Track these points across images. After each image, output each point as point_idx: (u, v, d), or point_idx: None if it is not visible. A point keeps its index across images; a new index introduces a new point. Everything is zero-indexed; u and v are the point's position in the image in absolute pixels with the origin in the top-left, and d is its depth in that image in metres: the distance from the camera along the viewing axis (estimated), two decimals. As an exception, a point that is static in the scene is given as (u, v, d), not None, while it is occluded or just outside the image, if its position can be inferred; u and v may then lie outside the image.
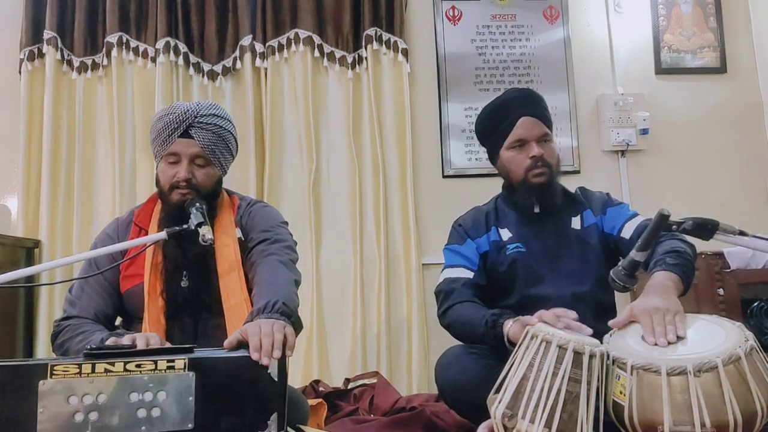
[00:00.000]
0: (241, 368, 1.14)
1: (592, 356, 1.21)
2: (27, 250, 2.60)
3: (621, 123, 2.94)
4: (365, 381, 2.43)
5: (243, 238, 1.62)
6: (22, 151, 2.70)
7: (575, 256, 1.72)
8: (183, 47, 2.79)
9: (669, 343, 1.21)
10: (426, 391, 2.55)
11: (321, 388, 2.36)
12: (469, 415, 1.62)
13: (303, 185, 2.79)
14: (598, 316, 1.66)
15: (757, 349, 1.16)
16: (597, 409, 1.22)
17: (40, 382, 1.06)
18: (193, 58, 2.82)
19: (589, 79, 3.01)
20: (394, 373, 2.65)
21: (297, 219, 2.72)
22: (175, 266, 1.54)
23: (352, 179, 2.81)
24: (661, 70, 3.06)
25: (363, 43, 2.85)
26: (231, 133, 1.63)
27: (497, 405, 1.25)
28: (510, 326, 1.46)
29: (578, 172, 2.94)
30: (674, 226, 1.27)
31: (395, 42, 2.85)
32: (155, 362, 1.10)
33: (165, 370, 1.10)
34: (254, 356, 1.14)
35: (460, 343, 1.72)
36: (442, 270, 1.79)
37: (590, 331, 1.34)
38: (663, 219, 1.25)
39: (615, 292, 1.61)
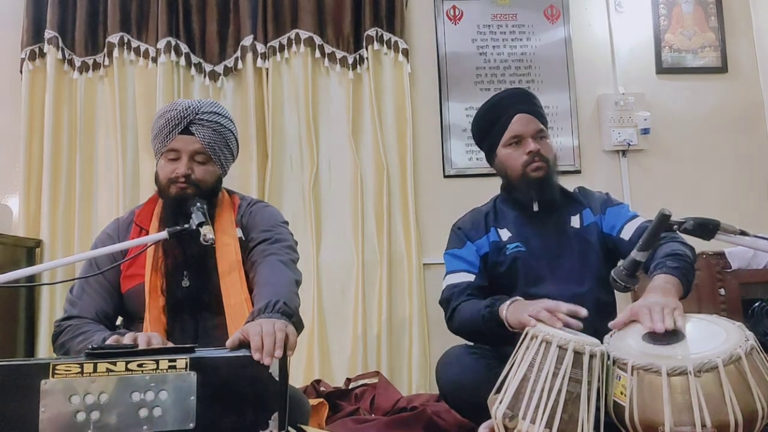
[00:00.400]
0: (242, 368, 1.14)
1: (592, 356, 1.21)
2: (28, 250, 2.61)
3: (622, 123, 2.94)
4: (366, 381, 2.43)
5: (244, 238, 1.62)
6: (23, 151, 2.71)
7: (575, 255, 1.73)
8: (184, 47, 2.79)
9: (667, 331, 1.21)
10: (427, 391, 2.56)
11: (322, 388, 2.36)
12: (470, 415, 1.62)
13: (304, 185, 2.79)
14: (599, 315, 1.66)
15: (758, 349, 1.16)
16: (597, 409, 1.22)
17: (42, 382, 1.06)
18: (194, 59, 2.82)
19: (590, 79, 3.01)
20: (395, 373, 2.65)
21: (298, 219, 2.73)
22: (175, 266, 1.54)
23: (353, 179, 2.81)
24: (662, 69, 3.06)
25: (364, 44, 2.85)
26: (231, 131, 1.63)
27: (498, 405, 1.25)
28: (507, 311, 1.47)
29: (579, 172, 2.93)
30: (675, 226, 1.27)
31: (396, 42, 2.85)
32: (157, 362, 1.11)
33: (166, 370, 1.11)
34: (255, 356, 1.14)
35: (462, 342, 1.72)
36: (444, 277, 1.80)
37: (580, 325, 1.35)
38: (664, 219, 1.25)
39: (615, 291, 1.61)
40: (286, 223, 1.70)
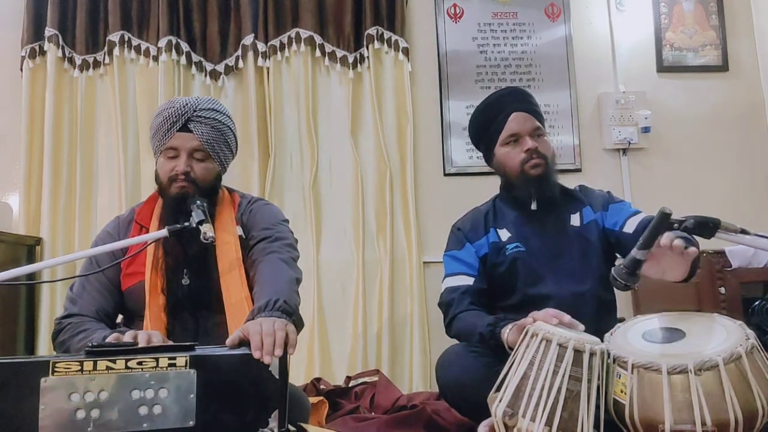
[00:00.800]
0: (242, 366, 1.14)
1: (592, 354, 1.21)
2: (28, 248, 2.61)
3: (622, 121, 2.93)
4: (366, 379, 2.43)
5: (244, 236, 1.62)
6: (23, 149, 2.71)
7: (575, 253, 1.72)
8: (185, 46, 2.79)
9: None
10: (427, 389, 2.55)
11: (322, 387, 2.36)
12: (470, 413, 1.62)
13: (305, 184, 2.79)
14: (599, 313, 1.67)
15: (758, 348, 1.16)
16: (597, 407, 1.22)
17: (42, 379, 1.06)
18: (195, 57, 2.82)
19: (591, 77, 3.01)
20: (395, 372, 2.65)
21: (298, 217, 2.73)
22: (175, 264, 1.54)
23: (354, 177, 2.81)
24: (663, 68, 3.06)
25: (364, 42, 2.85)
26: (230, 128, 1.63)
27: (498, 403, 1.25)
28: (508, 334, 1.45)
29: (579, 170, 2.93)
30: (675, 225, 1.26)
31: (396, 41, 2.85)
32: (157, 360, 1.11)
33: (166, 368, 1.11)
34: (256, 354, 1.14)
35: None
36: (443, 279, 1.79)
37: (583, 327, 1.34)
38: (664, 217, 1.25)
39: (615, 290, 1.61)
40: (287, 221, 1.70)
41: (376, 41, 2.83)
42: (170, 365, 1.11)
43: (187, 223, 1.45)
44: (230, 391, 1.13)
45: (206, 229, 1.41)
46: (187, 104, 1.55)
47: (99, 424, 1.06)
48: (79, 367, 1.08)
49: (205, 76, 2.83)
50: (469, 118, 1.90)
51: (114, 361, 1.09)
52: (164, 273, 1.53)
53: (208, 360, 1.13)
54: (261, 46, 2.80)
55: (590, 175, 2.90)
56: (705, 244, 1.42)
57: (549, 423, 1.17)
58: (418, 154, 2.87)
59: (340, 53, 2.85)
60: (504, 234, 1.78)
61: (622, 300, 2.53)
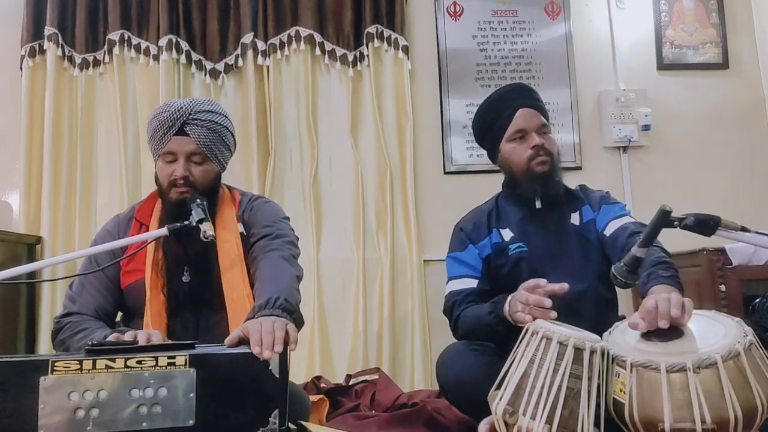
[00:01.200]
0: (242, 364, 1.14)
1: (592, 352, 1.21)
2: (28, 247, 2.61)
3: (622, 119, 2.93)
4: (366, 377, 2.43)
5: (245, 233, 1.62)
6: (23, 148, 2.70)
7: (576, 252, 1.72)
8: (185, 45, 2.79)
9: (665, 328, 1.20)
10: (428, 387, 2.56)
11: (322, 385, 2.36)
12: (471, 411, 1.62)
13: (305, 182, 2.79)
14: (600, 312, 1.67)
15: (757, 345, 1.16)
16: (598, 405, 1.22)
17: (42, 378, 1.06)
18: (195, 56, 2.82)
19: (591, 75, 3.01)
20: (396, 370, 2.65)
21: (299, 215, 2.73)
22: (175, 262, 1.54)
23: (354, 176, 2.81)
24: (663, 65, 3.05)
25: (364, 41, 2.84)
26: (227, 128, 1.62)
27: (498, 401, 1.25)
28: (509, 309, 1.47)
29: (580, 168, 2.93)
30: (676, 222, 1.26)
31: (396, 39, 2.85)
32: (156, 358, 1.11)
33: (166, 367, 1.11)
34: (255, 350, 1.14)
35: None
36: (447, 282, 1.80)
37: (567, 286, 1.38)
38: (664, 215, 1.25)
39: (616, 288, 1.61)
40: (287, 218, 1.70)
41: (375, 39, 2.83)
42: (170, 364, 1.11)
43: (187, 222, 1.45)
44: (230, 389, 1.12)
45: (206, 228, 1.41)
46: (182, 107, 1.54)
47: (98, 423, 1.07)
48: (79, 366, 1.08)
49: (205, 74, 2.83)
50: (473, 114, 1.89)
51: (113, 360, 1.09)
52: (164, 270, 1.54)
53: (207, 359, 1.13)
54: (261, 45, 2.80)
55: (590, 173, 2.90)
56: (705, 241, 1.42)
57: (549, 421, 1.17)
58: (418, 153, 2.87)
59: (339, 51, 2.85)
60: (507, 234, 1.77)
61: (623, 298, 2.53)
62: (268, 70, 2.81)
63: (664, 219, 1.26)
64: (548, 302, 1.35)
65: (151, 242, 1.52)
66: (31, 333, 2.59)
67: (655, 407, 1.13)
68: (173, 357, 1.11)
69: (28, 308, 2.59)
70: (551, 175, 1.73)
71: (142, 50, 2.79)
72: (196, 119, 1.54)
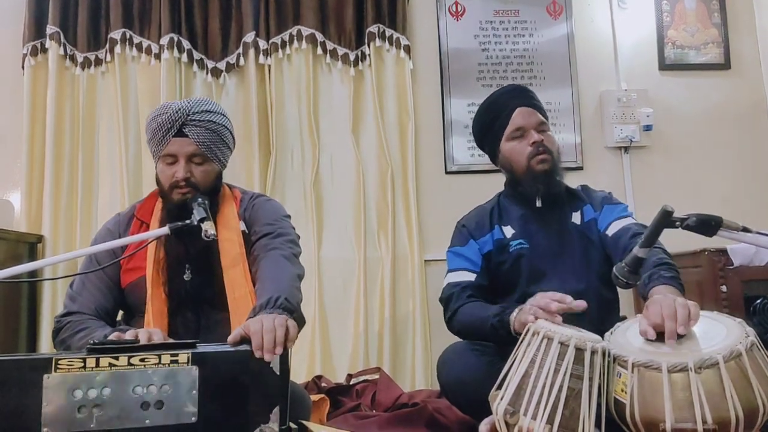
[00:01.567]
0: (243, 363, 1.15)
1: (593, 352, 1.21)
2: (30, 245, 2.61)
3: (624, 119, 2.93)
4: (367, 377, 2.43)
5: (247, 231, 1.62)
6: (25, 146, 2.71)
7: (577, 251, 1.72)
8: (186, 44, 2.79)
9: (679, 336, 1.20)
10: (428, 387, 2.56)
11: (323, 384, 2.37)
12: (471, 411, 1.63)
13: (306, 181, 2.80)
14: (601, 312, 1.67)
15: (758, 345, 1.16)
16: (599, 405, 1.22)
17: (45, 376, 1.06)
18: (196, 55, 2.82)
19: (593, 75, 3.01)
20: (397, 369, 2.65)
21: (300, 215, 2.73)
22: (177, 261, 1.55)
23: (355, 175, 2.81)
24: (665, 66, 3.05)
25: (366, 40, 2.84)
26: (226, 126, 1.62)
27: (499, 401, 1.25)
28: (515, 318, 1.46)
29: (581, 168, 2.93)
30: (677, 223, 1.26)
31: (398, 38, 2.85)
32: (159, 356, 1.11)
33: (168, 365, 1.11)
34: (257, 354, 1.15)
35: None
36: (446, 275, 1.80)
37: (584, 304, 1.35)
38: (666, 215, 1.25)
39: (618, 288, 1.61)
40: (289, 216, 1.70)
41: (377, 39, 2.83)
42: (172, 362, 1.11)
43: (188, 221, 1.45)
44: (232, 387, 1.13)
45: (207, 227, 1.41)
46: (180, 109, 1.53)
47: (101, 420, 1.07)
48: (82, 364, 1.08)
49: (207, 73, 2.83)
50: (472, 118, 1.90)
51: (116, 358, 1.10)
52: (165, 269, 1.54)
53: (209, 357, 1.14)
54: (262, 44, 2.80)
55: (592, 173, 2.90)
56: (707, 242, 1.42)
57: (550, 421, 1.17)
58: (419, 152, 2.87)
59: (341, 51, 2.85)
60: (508, 231, 1.78)
61: (624, 298, 2.53)
62: (269, 70, 2.81)
63: (666, 219, 1.26)
64: (558, 318, 1.35)
65: (152, 241, 1.52)
66: (32, 332, 2.59)
67: (657, 407, 1.13)
68: (176, 355, 1.12)
69: (29, 307, 2.59)
70: (552, 174, 1.74)
71: (143, 49, 2.79)
72: (194, 120, 1.53)
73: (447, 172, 2.90)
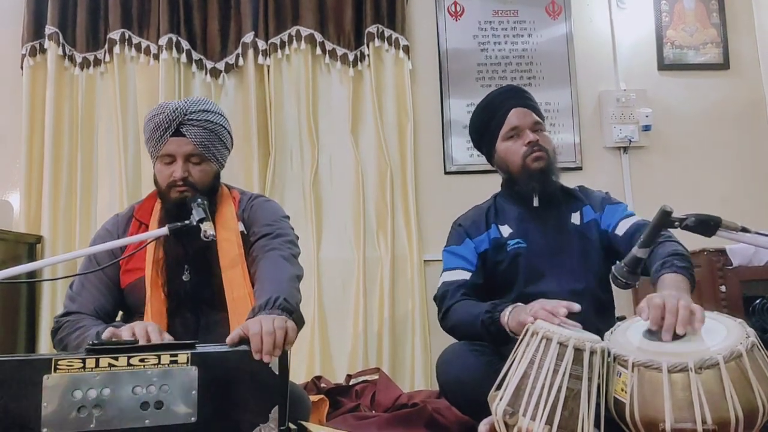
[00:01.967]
0: (242, 363, 1.16)
1: (592, 353, 1.21)
2: (29, 246, 2.61)
3: (623, 119, 2.93)
4: (367, 377, 2.43)
5: (245, 232, 1.62)
6: (24, 147, 2.70)
7: (575, 251, 1.73)
8: (185, 44, 2.79)
9: (676, 337, 1.20)
10: (428, 387, 2.56)
11: (322, 385, 2.36)
12: (471, 411, 1.62)
13: (305, 181, 2.80)
14: (598, 312, 1.67)
15: (759, 346, 1.16)
16: (598, 405, 1.22)
17: (45, 377, 1.07)
18: (195, 55, 2.82)
19: (592, 75, 3.01)
20: (396, 370, 2.65)
21: (299, 215, 2.73)
22: (176, 261, 1.54)
23: (354, 176, 2.81)
24: (664, 66, 3.05)
25: (365, 40, 2.85)
26: (223, 126, 1.61)
27: (498, 402, 1.25)
28: (508, 317, 1.47)
29: (580, 168, 2.93)
30: (676, 223, 1.26)
31: (397, 39, 2.85)
32: (158, 357, 1.12)
33: (168, 365, 1.12)
34: (256, 357, 1.16)
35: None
36: (441, 274, 1.80)
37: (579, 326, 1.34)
38: (665, 215, 1.25)
39: (613, 289, 1.61)
40: (287, 217, 1.70)
41: (376, 39, 2.83)
42: (172, 362, 1.12)
43: (187, 222, 1.45)
44: (231, 387, 1.14)
45: (207, 227, 1.41)
46: (177, 108, 1.53)
47: (101, 420, 1.07)
48: (82, 365, 1.09)
49: (206, 74, 2.83)
50: (470, 118, 1.91)
51: (116, 359, 1.10)
52: (164, 269, 1.54)
53: (209, 357, 1.14)
54: (261, 44, 2.80)
55: (591, 173, 2.91)
56: (706, 242, 1.42)
57: (549, 421, 1.17)
58: (418, 153, 2.87)
59: (340, 51, 2.85)
60: (505, 230, 1.78)
61: (623, 299, 2.54)
62: (268, 70, 2.81)
63: (665, 219, 1.26)
64: (557, 318, 1.35)
65: (151, 242, 1.52)
66: (32, 332, 2.59)
67: (656, 407, 1.13)
68: (175, 355, 1.12)
69: (28, 307, 2.59)
70: (548, 173, 1.74)
71: (142, 49, 2.79)
72: (191, 120, 1.53)
73: (446, 173, 2.90)
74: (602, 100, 2.98)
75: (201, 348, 1.16)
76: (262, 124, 2.80)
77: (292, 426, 1.20)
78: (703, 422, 1.08)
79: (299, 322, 1.38)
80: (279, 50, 2.82)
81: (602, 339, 1.30)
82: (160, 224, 1.55)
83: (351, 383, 2.41)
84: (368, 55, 2.84)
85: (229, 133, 1.65)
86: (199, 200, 1.49)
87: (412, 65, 2.89)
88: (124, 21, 2.77)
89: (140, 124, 2.75)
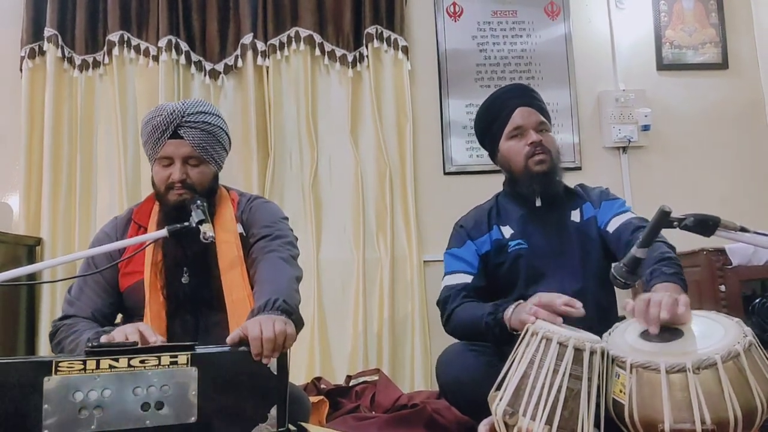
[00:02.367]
0: (242, 364, 1.16)
1: (592, 353, 1.21)
2: (28, 248, 2.61)
3: (622, 119, 2.93)
4: (367, 378, 2.43)
5: (244, 233, 1.62)
6: (23, 149, 2.70)
7: (576, 251, 1.72)
8: (185, 46, 2.79)
9: (665, 328, 1.20)
10: (428, 388, 2.56)
11: (322, 386, 2.36)
12: (470, 412, 1.63)
13: (305, 182, 2.80)
14: (599, 312, 1.67)
15: (756, 345, 1.16)
16: (598, 405, 1.22)
17: (45, 379, 1.07)
18: (194, 57, 2.82)
19: (591, 75, 3.01)
20: (396, 371, 2.65)
21: (298, 216, 2.73)
22: (175, 263, 1.54)
23: (354, 176, 2.81)
24: (663, 66, 3.06)
25: (364, 41, 2.85)
26: (221, 127, 1.61)
27: (498, 402, 1.25)
28: (511, 315, 1.46)
29: (579, 168, 2.93)
30: (675, 223, 1.27)
31: (396, 39, 2.85)
32: (158, 358, 1.12)
33: (168, 366, 1.12)
34: (256, 359, 1.16)
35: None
36: (443, 278, 1.80)
37: (582, 312, 1.35)
38: (664, 215, 1.25)
39: (615, 290, 1.61)
40: (286, 218, 1.70)
41: (375, 40, 2.83)
42: (172, 363, 1.12)
43: (186, 223, 1.45)
44: (231, 387, 1.15)
45: (206, 229, 1.41)
46: (174, 111, 1.53)
47: (102, 422, 1.08)
48: (82, 366, 1.09)
49: (205, 75, 2.83)
50: (474, 115, 1.90)
51: (116, 360, 1.10)
52: (163, 272, 1.54)
53: (209, 358, 1.15)
54: (260, 45, 2.80)
55: (590, 173, 2.91)
56: (705, 242, 1.42)
57: (549, 422, 1.17)
58: (417, 153, 2.87)
59: (339, 52, 2.86)
60: (507, 231, 1.78)
61: (623, 299, 2.53)
62: (267, 71, 2.81)
63: (664, 219, 1.26)
64: (558, 318, 1.35)
65: (150, 244, 1.52)
66: (31, 334, 2.59)
67: (655, 408, 1.13)
68: (175, 356, 1.13)
69: (27, 310, 2.59)
70: (550, 174, 1.74)
71: (141, 51, 2.79)
72: (189, 122, 1.53)
73: (445, 173, 2.90)
74: (601, 100, 2.98)
75: (201, 349, 1.17)
76: (261, 126, 2.80)
77: (292, 427, 1.20)
78: (702, 422, 1.08)
79: (299, 324, 1.38)
80: (278, 51, 2.83)
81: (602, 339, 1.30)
82: (159, 227, 1.55)
83: (351, 384, 2.41)
84: (367, 56, 2.84)
85: (226, 134, 1.65)
86: (198, 202, 1.49)
87: (411, 66, 2.89)
88: (123, 23, 2.77)
89: (139, 126, 2.73)
